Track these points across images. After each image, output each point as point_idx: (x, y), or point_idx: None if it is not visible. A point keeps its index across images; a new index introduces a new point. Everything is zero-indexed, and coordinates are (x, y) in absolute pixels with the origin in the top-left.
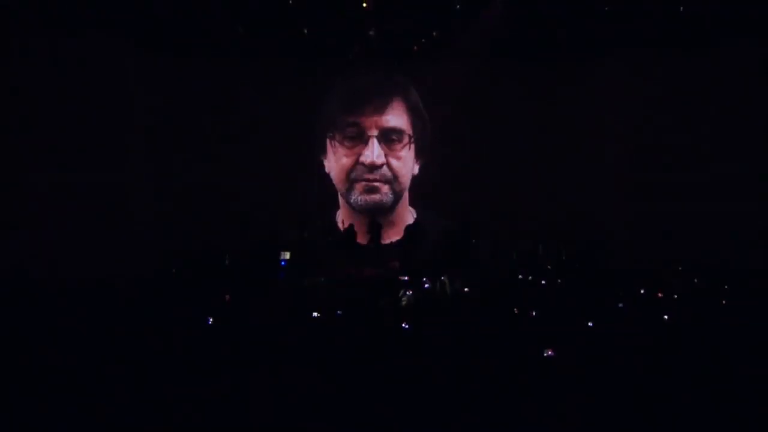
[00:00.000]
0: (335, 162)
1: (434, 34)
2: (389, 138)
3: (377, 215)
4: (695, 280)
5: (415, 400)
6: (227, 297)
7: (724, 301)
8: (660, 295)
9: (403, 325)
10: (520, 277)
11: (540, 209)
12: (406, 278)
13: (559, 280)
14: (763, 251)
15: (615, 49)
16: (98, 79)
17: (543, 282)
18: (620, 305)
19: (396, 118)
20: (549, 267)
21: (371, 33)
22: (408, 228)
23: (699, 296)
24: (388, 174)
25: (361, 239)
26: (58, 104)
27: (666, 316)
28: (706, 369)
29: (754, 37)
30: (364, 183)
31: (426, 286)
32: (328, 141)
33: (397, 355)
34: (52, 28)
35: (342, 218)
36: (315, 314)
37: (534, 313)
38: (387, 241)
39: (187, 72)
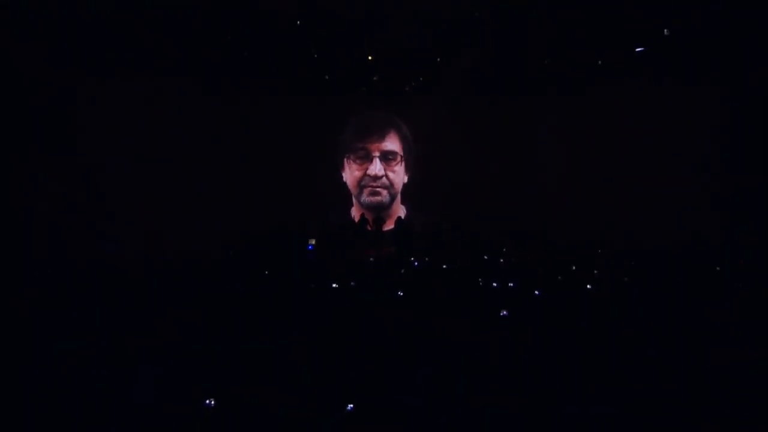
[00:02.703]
0: (350, 174)
1: (420, 79)
2: (387, 158)
3: (379, 211)
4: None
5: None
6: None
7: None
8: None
9: (399, 293)
10: (485, 257)
11: (501, 207)
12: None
13: (506, 260)
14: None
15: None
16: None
17: (502, 261)
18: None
19: (392, 143)
20: (504, 250)
21: (375, 78)
22: (399, 220)
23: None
24: (386, 182)
25: (369, 227)
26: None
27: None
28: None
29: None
30: (369, 188)
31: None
32: (345, 160)
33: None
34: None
35: (354, 213)
36: (334, 285)
37: (494, 284)
38: (385, 229)
39: (246, 108)
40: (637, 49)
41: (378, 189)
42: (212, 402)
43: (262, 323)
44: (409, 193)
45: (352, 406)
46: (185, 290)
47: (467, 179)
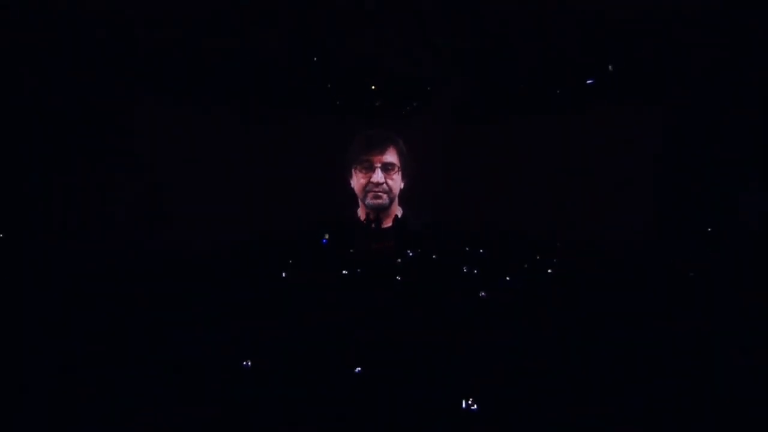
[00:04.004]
0: (356, 181)
1: (414, 104)
2: (387, 168)
3: (380, 211)
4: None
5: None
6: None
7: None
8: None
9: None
10: (467, 249)
11: (479, 208)
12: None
13: (484, 251)
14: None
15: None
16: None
17: (481, 251)
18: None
19: (391, 156)
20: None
21: (377, 104)
22: (396, 218)
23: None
24: (386, 188)
25: (371, 225)
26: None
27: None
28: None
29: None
30: (372, 193)
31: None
32: (352, 170)
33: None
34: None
35: (360, 213)
36: (344, 271)
37: (465, 270)
38: (385, 226)
39: (275, 131)
40: (588, 81)
41: (379, 193)
42: (249, 363)
43: (291, 298)
44: (404, 197)
45: (360, 369)
46: (237, 272)
47: (452, 185)
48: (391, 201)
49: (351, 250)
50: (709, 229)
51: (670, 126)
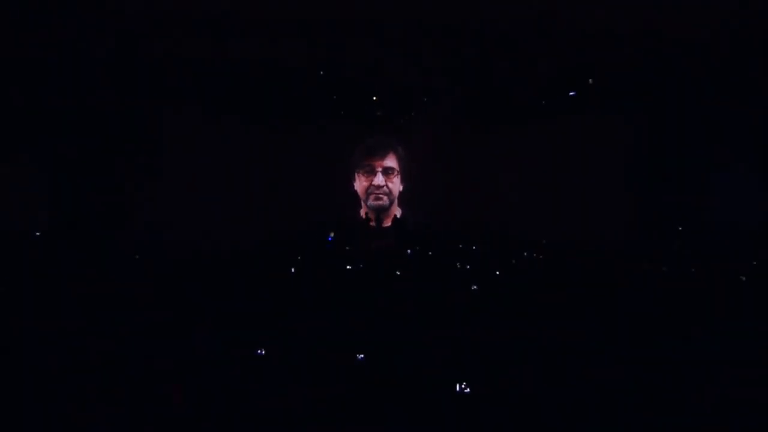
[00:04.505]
0: (359, 184)
1: (412, 114)
2: (387, 172)
3: (381, 212)
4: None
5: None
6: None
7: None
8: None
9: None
10: (460, 246)
11: (471, 210)
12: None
13: (475, 248)
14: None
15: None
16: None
17: (473, 248)
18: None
19: (391, 161)
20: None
21: (378, 113)
22: (396, 218)
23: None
24: (387, 190)
25: (372, 224)
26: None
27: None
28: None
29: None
30: (374, 195)
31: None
32: (355, 174)
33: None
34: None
35: (363, 213)
36: (348, 266)
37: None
38: (385, 226)
39: (286, 140)
40: (570, 93)
41: (380, 195)
42: (263, 351)
43: (301, 292)
44: (403, 198)
45: (362, 356)
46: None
47: (446, 188)
48: (391, 202)
49: (354, 248)
50: (680, 228)
51: (644, 135)
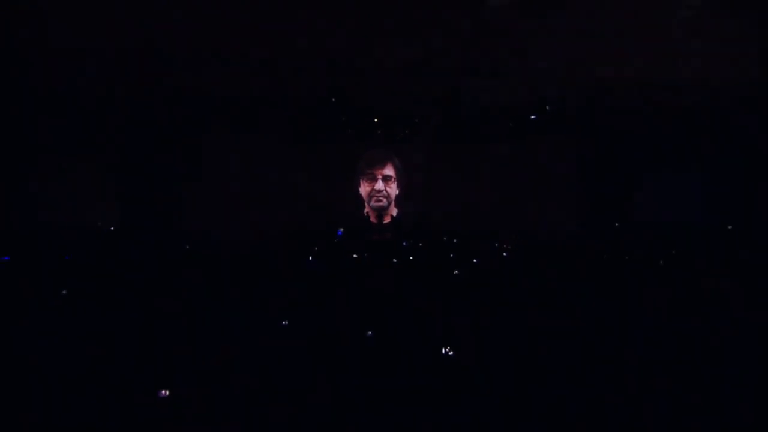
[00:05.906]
0: (363, 189)
1: (407, 131)
2: (386, 179)
3: (381, 212)
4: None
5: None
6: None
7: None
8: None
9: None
10: (445, 239)
11: (459, 208)
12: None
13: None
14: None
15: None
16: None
17: (455, 240)
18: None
19: (389, 170)
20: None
21: (378, 131)
22: (393, 217)
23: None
24: (386, 194)
25: (374, 221)
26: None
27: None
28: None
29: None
30: (375, 198)
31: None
32: (360, 180)
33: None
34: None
35: (366, 212)
36: (354, 255)
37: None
38: (385, 222)
39: (303, 153)
40: (531, 117)
41: (380, 198)
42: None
43: (316, 275)
44: (399, 200)
45: (371, 332)
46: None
47: (433, 192)
48: (389, 203)
49: (359, 241)
50: (617, 224)
51: (588, 150)
